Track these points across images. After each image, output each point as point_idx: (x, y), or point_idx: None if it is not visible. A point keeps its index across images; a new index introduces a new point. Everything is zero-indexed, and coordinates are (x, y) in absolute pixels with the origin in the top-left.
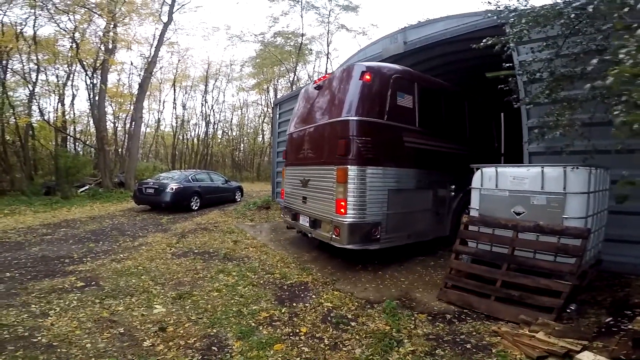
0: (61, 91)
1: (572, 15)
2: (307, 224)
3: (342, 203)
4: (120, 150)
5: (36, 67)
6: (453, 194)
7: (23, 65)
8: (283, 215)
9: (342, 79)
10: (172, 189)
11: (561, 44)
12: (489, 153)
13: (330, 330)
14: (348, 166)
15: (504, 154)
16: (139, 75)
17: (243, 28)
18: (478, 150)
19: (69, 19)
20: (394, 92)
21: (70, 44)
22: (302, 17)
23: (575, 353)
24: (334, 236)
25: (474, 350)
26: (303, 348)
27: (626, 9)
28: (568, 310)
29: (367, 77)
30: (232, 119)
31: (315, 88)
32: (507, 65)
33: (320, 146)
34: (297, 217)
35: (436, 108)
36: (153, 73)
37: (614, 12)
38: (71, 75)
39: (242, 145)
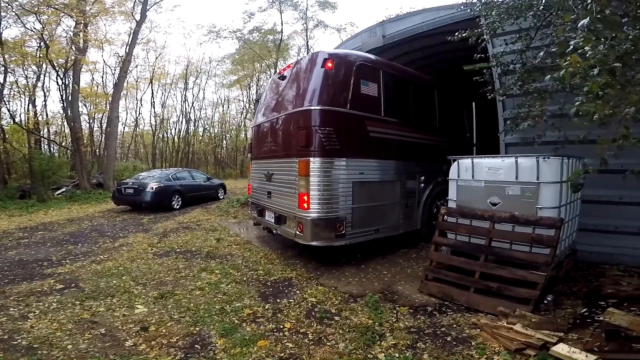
0: (31, 92)
1: (542, 7)
2: (272, 220)
3: (305, 197)
4: (97, 150)
5: (3, 68)
6: (422, 185)
7: None
8: (250, 212)
9: (305, 68)
10: (153, 188)
11: (533, 36)
12: (460, 143)
13: (314, 325)
14: (310, 158)
15: (477, 145)
16: (113, 74)
17: (221, 24)
18: (448, 140)
19: (37, 19)
20: (358, 80)
21: (39, 45)
22: (280, 12)
23: (551, 345)
24: (297, 232)
25: (454, 343)
26: (287, 344)
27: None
28: (545, 302)
29: (330, 64)
30: (213, 115)
31: (279, 78)
32: (480, 56)
33: (283, 138)
34: (263, 213)
35: (403, 97)
36: (128, 72)
37: (578, 4)
38: (41, 76)
39: (224, 142)
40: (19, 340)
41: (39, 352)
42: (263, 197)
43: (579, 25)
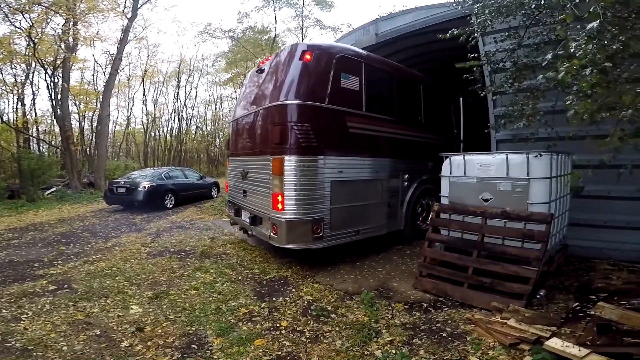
0: (20, 91)
1: (533, 6)
2: (248, 221)
3: (279, 198)
4: (88, 149)
5: None
6: (406, 184)
7: None
8: (227, 210)
9: (284, 60)
10: (145, 187)
11: (522, 34)
12: (447, 140)
13: (311, 323)
14: (284, 156)
15: (464, 141)
16: (104, 72)
17: (215, 23)
18: (434, 136)
19: (25, 17)
20: (338, 73)
21: (28, 43)
22: (275, 11)
23: (545, 339)
24: (272, 234)
25: (450, 338)
26: (284, 342)
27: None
28: (537, 296)
29: (308, 56)
30: (206, 113)
31: (257, 72)
32: (472, 55)
33: (258, 134)
34: (240, 212)
35: (386, 91)
36: (119, 70)
37: (567, 3)
38: (30, 75)
39: (217, 140)
40: (13, 342)
41: (34, 353)
42: (239, 196)
43: (587, 27)
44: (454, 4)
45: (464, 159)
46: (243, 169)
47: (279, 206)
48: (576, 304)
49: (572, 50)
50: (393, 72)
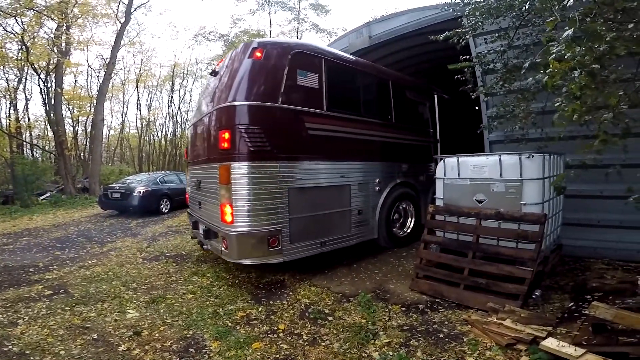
0: (13, 96)
1: (522, 8)
2: (202, 234)
3: (228, 209)
4: (82, 154)
5: None
6: (378, 188)
7: None
8: (190, 222)
9: (234, 60)
10: (140, 192)
11: (512, 35)
12: (421, 140)
13: (309, 326)
14: (231, 163)
15: (441, 141)
16: (97, 76)
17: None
18: (408, 136)
19: (17, 21)
20: (294, 71)
21: (20, 47)
22: (270, 15)
23: (541, 339)
24: (223, 249)
25: (447, 339)
26: (282, 345)
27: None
28: (533, 297)
29: (258, 54)
30: None
31: (211, 74)
32: (464, 57)
33: (207, 140)
34: (197, 225)
35: (351, 89)
36: (112, 74)
37: (555, 5)
38: (23, 79)
39: None
40: (10, 347)
41: (31, 358)
42: (195, 208)
43: (562, 35)
44: (446, 7)
45: (458, 160)
46: (197, 179)
47: (228, 218)
48: (571, 303)
49: (552, 55)
50: (358, 68)
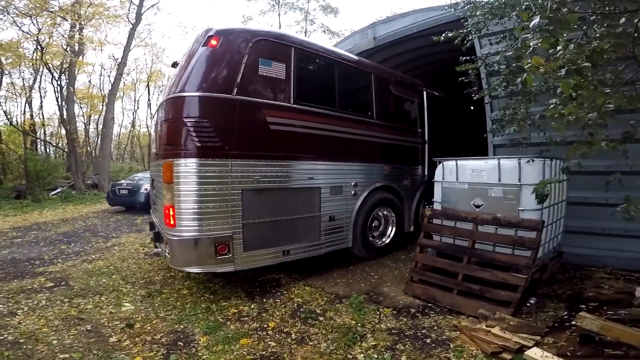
0: (28, 94)
1: (523, 7)
2: (153, 236)
3: (170, 211)
4: (92, 151)
5: (0, 70)
6: (354, 192)
7: None
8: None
9: (191, 50)
10: (146, 189)
11: (518, 36)
12: (407, 140)
13: (298, 325)
14: (174, 160)
15: (430, 142)
16: (109, 76)
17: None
18: (390, 135)
19: (32, 22)
20: (255, 60)
21: (35, 47)
22: (279, 15)
23: (527, 348)
24: (167, 254)
25: (433, 345)
26: (269, 342)
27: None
28: (528, 304)
29: (214, 42)
30: None
31: (172, 66)
32: (466, 58)
33: (157, 135)
34: (154, 226)
35: (326, 81)
36: (123, 74)
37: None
38: (38, 78)
39: None
40: (5, 336)
41: (24, 346)
42: (153, 208)
43: (530, 25)
44: (447, 7)
45: (457, 164)
46: (152, 177)
47: (170, 221)
48: (565, 313)
49: (530, 49)
50: (335, 59)
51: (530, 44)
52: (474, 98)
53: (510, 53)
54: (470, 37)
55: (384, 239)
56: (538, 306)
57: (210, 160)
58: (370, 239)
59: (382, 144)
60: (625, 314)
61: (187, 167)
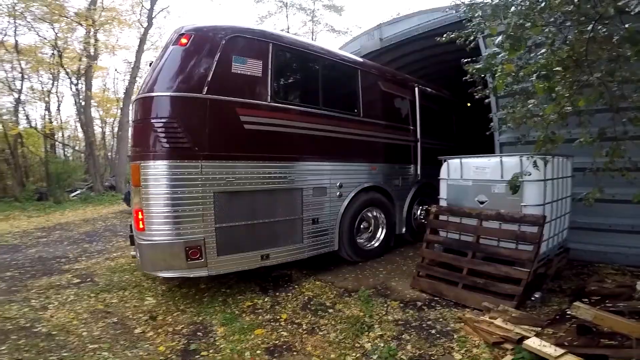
0: (47, 98)
1: (524, 7)
2: (129, 239)
3: (139, 215)
4: (110, 154)
5: (20, 75)
6: (339, 193)
7: (7, 73)
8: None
9: (162, 49)
10: None
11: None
12: (398, 138)
13: (309, 317)
14: (140, 162)
15: (422, 140)
16: (123, 80)
17: None
18: (379, 133)
19: (51, 27)
20: (228, 57)
21: (53, 52)
22: (287, 17)
23: (527, 339)
24: (138, 258)
25: (438, 335)
26: (282, 332)
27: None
28: (532, 299)
29: (184, 40)
30: None
31: (149, 66)
32: (466, 61)
33: (130, 137)
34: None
35: (307, 78)
36: (138, 77)
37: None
38: (55, 82)
39: None
40: (39, 328)
41: (57, 338)
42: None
43: (496, 42)
44: (448, 8)
45: (461, 162)
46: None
47: (140, 225)
48: (567, 306)
49: (497, 59)
50: (317, 54)
51: (499, 56)
52: (476, 96)
53: (480, 65)
54: (472, 38)
55: (373, 242)
56: (542, 300)
57: (179, 162)
58: (359, 241)
59: (369, 142)
60: (625, 307)
61: (155, 170)
